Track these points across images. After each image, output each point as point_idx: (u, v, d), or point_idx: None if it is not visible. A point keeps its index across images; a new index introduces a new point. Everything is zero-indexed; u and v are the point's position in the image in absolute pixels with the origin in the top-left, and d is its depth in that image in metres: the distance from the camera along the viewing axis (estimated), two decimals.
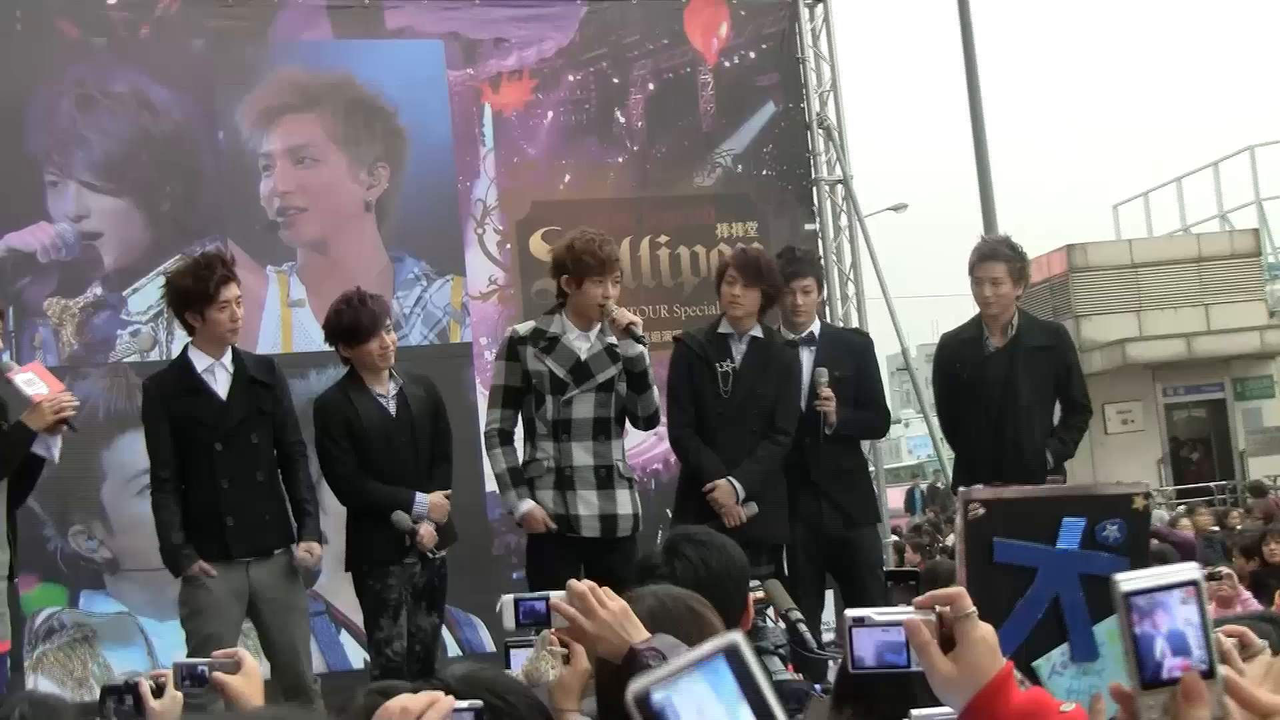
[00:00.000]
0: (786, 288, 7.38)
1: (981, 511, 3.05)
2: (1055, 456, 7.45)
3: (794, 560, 7.26)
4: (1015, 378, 7.39)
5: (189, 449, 6.56)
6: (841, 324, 9.60)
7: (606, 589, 3.04)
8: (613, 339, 6.69)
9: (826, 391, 7.19)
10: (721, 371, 7.09)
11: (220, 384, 6.63)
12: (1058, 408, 7.64)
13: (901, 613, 2.28)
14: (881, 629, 2.34)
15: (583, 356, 6.68)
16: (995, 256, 7.50)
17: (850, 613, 2.38)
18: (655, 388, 6.66)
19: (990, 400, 7.40)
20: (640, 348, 6.55)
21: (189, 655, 6.13)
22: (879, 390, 7.62)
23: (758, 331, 7.18)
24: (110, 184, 8.82)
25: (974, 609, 2.23)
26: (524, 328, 6.87)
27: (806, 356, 7.38)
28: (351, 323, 6.80)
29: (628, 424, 6.89)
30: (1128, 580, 1.68)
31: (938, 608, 2.24)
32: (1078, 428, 7.61)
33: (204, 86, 9.14)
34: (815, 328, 7.53)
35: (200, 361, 6.62)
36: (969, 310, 7.72)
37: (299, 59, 9.37)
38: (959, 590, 2.25)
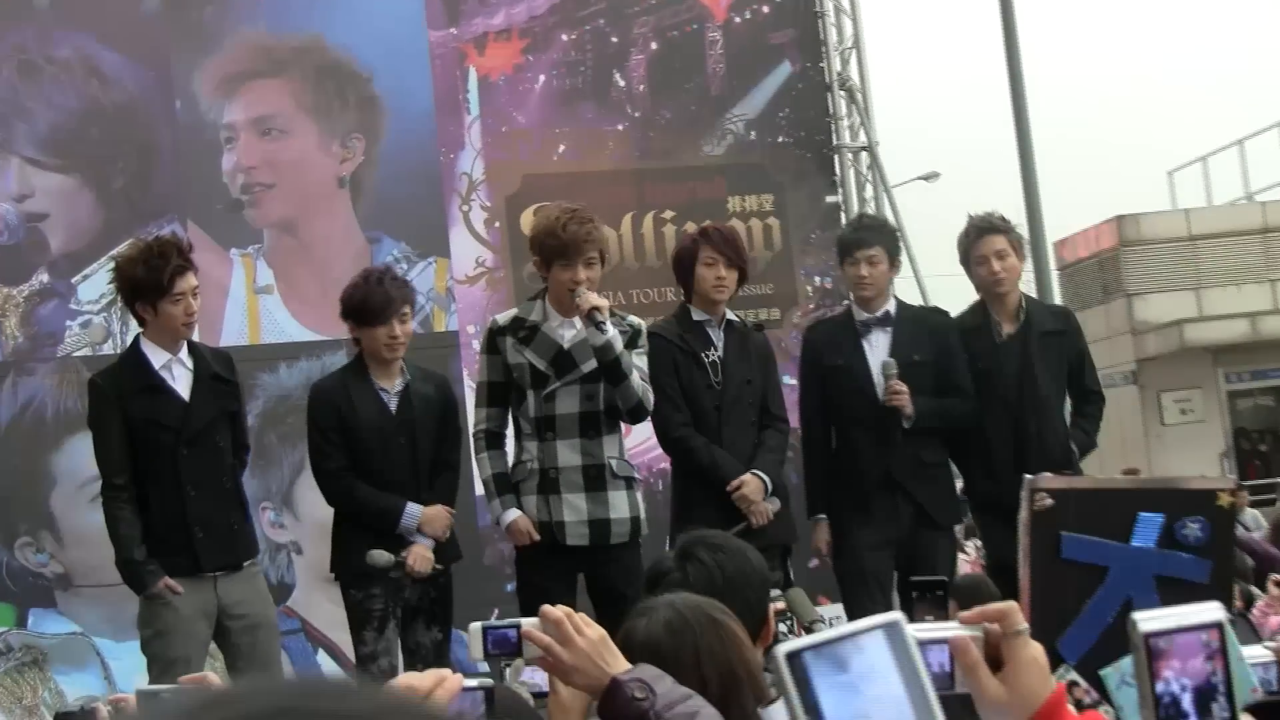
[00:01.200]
0: (850, 258, 7.41)
1: (1049, 502, 3.06)
2: (1081, 448, 7.49)
3: (856, 562, 7.27)
4: (1033, 365, 7.43)
5: (149, 453, 6.54)
6: (934, 306, 9.57)
7: (583, 615, 3.04)
8: None
9: (896, 384, 7.20)
10: (709, 361, 7.11)
11: (180, 382, 6.60)
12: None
13: (945, 629, 2.28)
14: (924, 647, 2.36)
15: (565, 345, 6.61)
16: (994, 229, 7.55)
17: None
18: (634, 374, 6.60)
19: (1007, 393, 7.41)
20: (605, 336, 6.42)
21: (152, 681, 6.15)
22: (964, 374, 7.51)
23: (731, 316, 7.23)
24: (56, 160, 8.83)
25: (1026, 625, 2.25)
26: (503, 317, 6.83)
27: (883, 339, 7.39)
28: (360, 301, 6.74)
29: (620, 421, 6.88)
30: (1147, 620, 1.71)
31: (986, 624, 2.24)
32: (1095, 417, 7.66)
33: (159, 51, 9.15)
34: (891, 306, 7.52)
35: (156, 357, 6.57)
36: None
37: (263, 20, 9.38)
38: (1010, 605, 2.26)
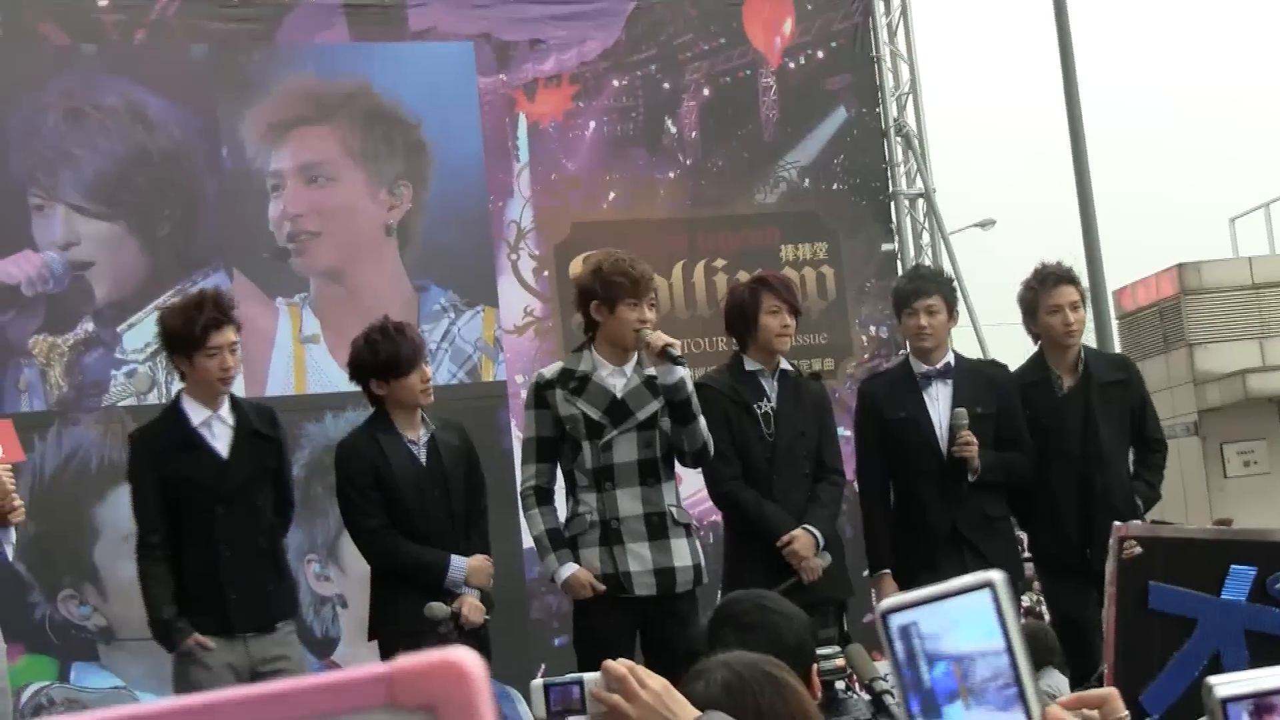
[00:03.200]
0: (907, 309, 7.36)
1: (1139, 551, 3.01)
2: (1145, 501, 7.40)
3: None
4: (1094, 418, 7.35)
5: (184, 512, 6.50)
6: (992, 360, 9.51)
7: (644, 669, 3.00)
8: (651, 370, 6.63)
9: (967, 435, 7.14)
10: (761, 412, 7.05)
11: (220, 439, 6.56)
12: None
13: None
14: None
15: (619, 394, 6.58)
16: (1069, 280, 7.50)
17: None
18: (702, 417, 6.59)
19: (1071, 448, 7.35)
20: (681, 371, 6.44)
21: None
22: (1024, 428, 7.48)
23: (785, 365, 7.18)
24: (102, 207, 8.86)
25: (1126, 713, 2.18)
26: (550, 370, 6.79)
27: (943, 391, 7.34)
28: (391, 355, 6.71)
29: (681, 465, 6.85)
30: (1224, 685, 1.65)
31: (1085, 711, 2.20)
32: (1158, 467, 7.59)
33: (205, 97, 9.19)
34: (950, 358, 7.47)
35: (196, 414, 6.54)
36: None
37: (311, 65, 9.41)
38: (1110, 692, 2.20)
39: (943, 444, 7.21)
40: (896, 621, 1.60)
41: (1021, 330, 7.71)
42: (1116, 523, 3.33)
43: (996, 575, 1.60)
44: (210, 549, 6.49)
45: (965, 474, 7.17)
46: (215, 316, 6.45)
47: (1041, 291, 7.48)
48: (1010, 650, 1.57)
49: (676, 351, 6.43)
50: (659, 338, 6.44)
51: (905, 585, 7.28)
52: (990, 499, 7.35)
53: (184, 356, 6.50)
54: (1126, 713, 2.19)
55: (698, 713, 2.91)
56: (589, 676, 3.03)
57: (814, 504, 7.00)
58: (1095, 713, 2.19)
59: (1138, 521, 3.19)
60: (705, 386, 7.01)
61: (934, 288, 7.50)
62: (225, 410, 6.59)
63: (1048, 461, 7.39)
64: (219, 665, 6.44)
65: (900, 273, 10.00)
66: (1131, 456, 7.59)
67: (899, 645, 1.61)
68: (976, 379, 7.47)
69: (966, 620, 1.58)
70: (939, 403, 7.31)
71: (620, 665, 2.97)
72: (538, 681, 3.20)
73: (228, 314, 6.53)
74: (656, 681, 2.95)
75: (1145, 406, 7.63)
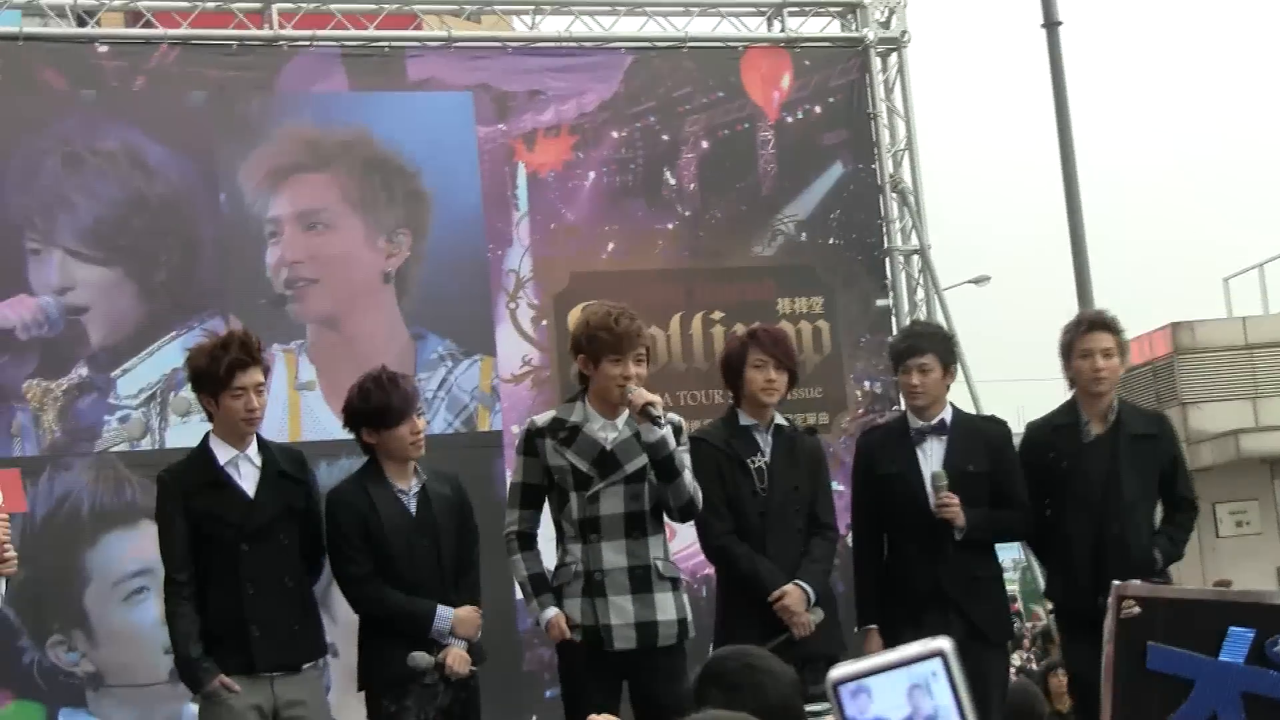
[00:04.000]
0: (902, 367, 7.36)
1: (1136, 610, 3.00)
2: (1164, 557, 7.34)
3: None
4: (1119, 469, 7.32)
5: (210, 550, 6.51)
6: (991, 416, 9.51)
7: None
8: None
9: (946, 496, 7.13)
10: (754, 467, 7.04)
11: (246, 479, 6.58)
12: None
13: None
14: None
15: (608, 446, 6.56)
16: (1105, 327, 7.45)
17: None
18: (687, 472, 6.57)
19: (1090, 494, 7.32)
20: (660, 431, 6.39)
21: None
22: (1020, 486, 7.44)
23: (780, 420, 7.17)
24: (99, 252, 8.85)
25: None
26: (542, 418, 6.78)
27: (937, 447, 7.33)
28: (381, 404, 6.73)
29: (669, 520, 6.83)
30: None
31: None
32: (1185, 526, 7.52)
33: (204, 144, 9.20)
34: (947, 415, 7.46)
35: (223, 453, 6.57)
36: (1057, 395, 7.66)
37: (310, 113, 9.43)
38: None
39: (930, 500, 7.17)
40: (848, 691, 1.63)
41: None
42: (1115, 581, 3.32)
43: (946, 644, 1.60)
44: (236, 587, 6.48)
45: (951, 532, 7.16)
46: (240, 358, 6.48)
47: (1076, 335, 7.47)
48: (962, 718, 1.56)
49: (656, 411, 6.37)
50: (640, 396, 6.40)
51: (890, 641, 7.25)
52: (979, 558, 7.32)
53: (210, 396, 6.53)
54: None
55: None
56: None
57: (806, 559, 6.98)
58: None
59: (1136, 581, 3.18)
60: (699, 440, 7.00)
61: (928, 345, 7.48)
62: (252, 450, 6.61)
63: (1065, 509, 7.37)
64: (243, 706, 6.43)
65: (895, 328, 10.00)
66: (1160, 515, 7.58)
67: (850, 715, 1.62)
68: (972, 435, 7.45)
69: (919, 688, 1.58)
70: (931, 459, 7.29)
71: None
72: None
73: (254, 355, 6.55)
74: None
75: (1177, 465, 7.56)
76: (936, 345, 7.54)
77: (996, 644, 7.41)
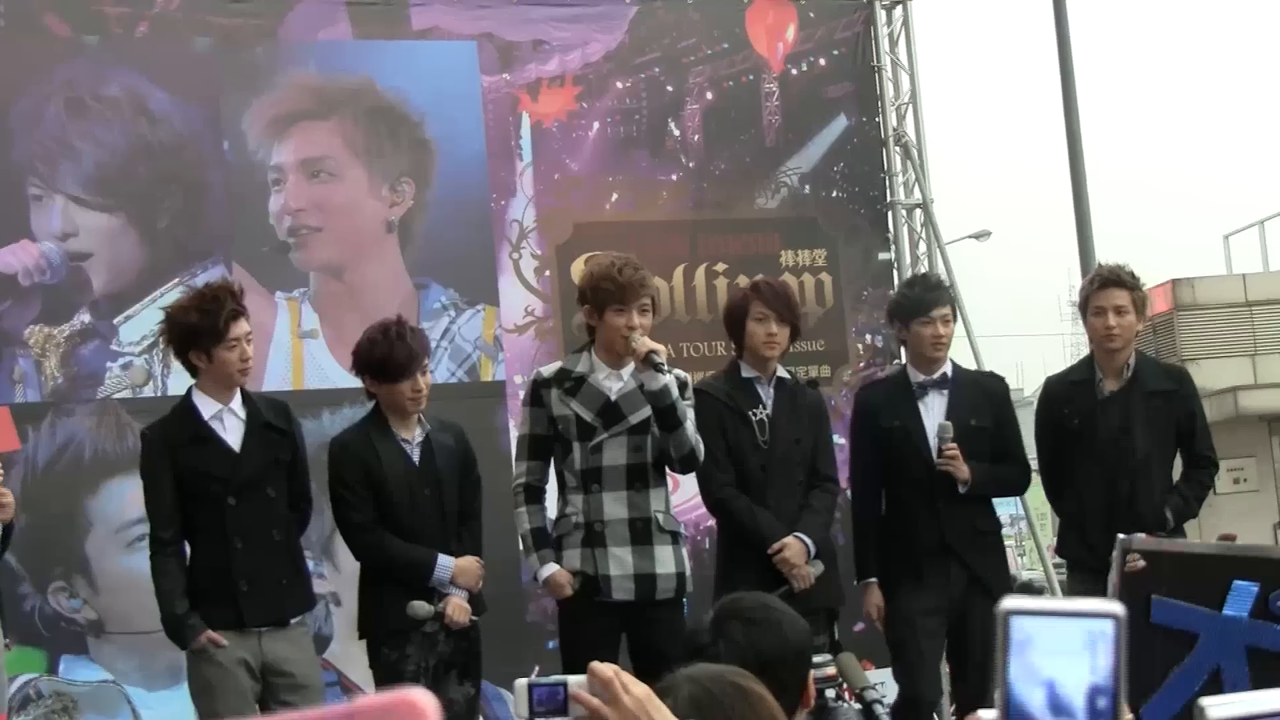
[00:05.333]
0: (923, 318, 7.31)
1: (1141, 564, 2.98)
2: (1175, 514, 7.31)
3: (909, 627, 7.17)
4: (1132, 426, 7.28)
5: (197, 505, 6.49)
6: (990, 371, 9.50)
7: (628, 674, 2.98)
8: None
9: (951, 448, 7.11)
10: (756, 420, 7.04)
11: (231, 432, 6.56)
12: (1178, 463, 7.52)
13: None
14: None
15: (613, 396, 6.59)
16: (1119, 283, 7.39)
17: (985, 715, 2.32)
18: (689, 423, 6.55)
19: (1103, 451, 7.29)
20: (664, 378, 6.42)
21: None
22: (1018, 441, 7.55)
23: (782, 372, 7.15)
24: (102, 199, 8.79)
25: (1130, 716, 2.14)
26: (548, 369, 6.81)
27: (939, 401, 7.33)
28: (383, 357, 6.71)
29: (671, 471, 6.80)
30: (1217, 707, 1.62)
31: None
32: (1202, 484, 7.48)
33: (208, 91, 9.12)
34: (948, 369, 7.44)
35: (207, 407, 6.55)
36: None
37: (314, 61, 9.34)
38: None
39: (934, 454, 7.19)
40: (1018, 625, 1.56)
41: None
42: (1120, 535, 3.30)
43: (1120, 608, 1.59)
44: (223, 542, 6.46)
45: (955, 485, 7.14)
46: (234, 309, 6.47)
47: (1091, 292, 7.44)
48: (1116, 686, 1.54)
49: (660, 359, 6.41)
50: (644, 344, 6.43)
51: (890, 594, 7.25)
52: (981, 512, 7.36)
53: (202, 351, 6.47)
54: (1131, 716, 2.15)
55: None
56: (573, 679, 3.01)
57: (807, 511, 6.99)
58: None
59: (1142, 535, 3.15)
60: (701, 392, 7.00)
61: (947, 297, 7.52)
62: (236, 403, 6.58)
63: (1077, 464, 7.36)
64: (231, 661, 6.41)
65: (896, 282, 9.97)
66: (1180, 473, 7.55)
67: (1015, 650, 1.57)
68: (974, 390, 7.45)
69: (1082, 644, 1.56)
70: (934, 413, 7.30)
71: (606, 669, 2.94)
72: (522, 681, 3.20)
73: (243, 305, 6.55)
74: (639, 688, 2.92)
75: (1195, 421, 7.51)
76: (950, 298, 7.57)
77: (997, 596, 7.39)
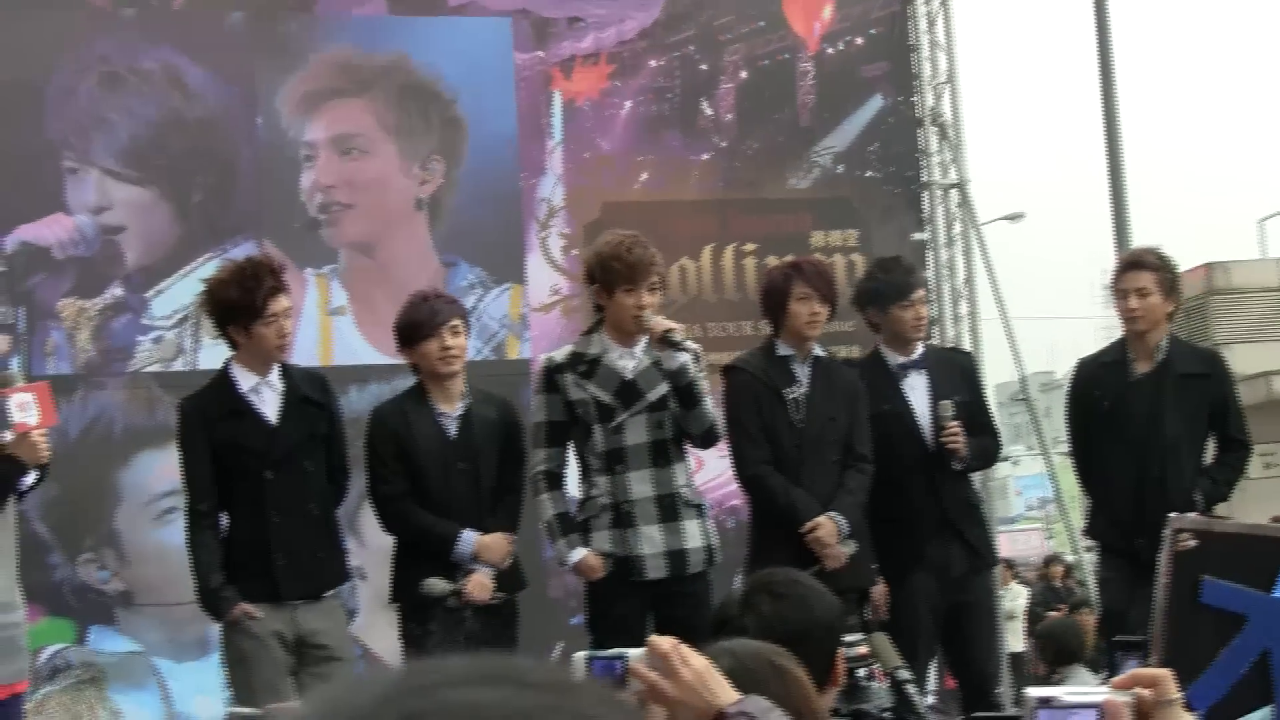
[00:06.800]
0: (904, 301, 7.25)
1: (1193, 544, 2.92)
2: (1206, 497, 7.20)
3: (914, 610, 7.11)
4: (1162, 408, 7.19)
5: (234, 478, 6.41)
6: (954, 347, 9.44)
7: (687, 647, 2.93)
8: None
9: (955, 426, 7.07)
10: (791, 398, 6.95)
11: (269, 405, 6.46)
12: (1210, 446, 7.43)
13: (1098, 693, 2.24)
14: (1069, 711, 2.28)
15: (628, 375, 6.50)
16: (1141, 265, 7.32)
17: (1034, 692, 2.32)
18: (708, 399, 6.48)
19: (1133, 433, 7.20)
20: (683, 357, 6.33)
21: (234, 705, 6.09)
22: (989, 413, 7.60)
23: (819, 351, 7.07)
24: (135, 172, 8.76)
25: (1179, 695, 2.14)
26: (560, 354, 6.70)
27: (920, 381, 7.28)
28: (410, 319, 6.63)
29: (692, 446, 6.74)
30: (1038, 690, 1.54)
31: (1139, 690, 2.20)
32: (1234, 467, 7.37)
33: (242, 66, 9.07)
34: (920, 348, 7.41)
35: (245, 380, 6.45)
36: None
37: (349, 37, 9.28)
38: (1164, 673, 2.16)
39: (926, 434, 7.16)
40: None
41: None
42: (1171, 514, 3.25)
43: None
44: (260, 515, 6.38)
45: (949, 463, 7.10)
46: (273, 285, 6.37)
47: (1117, 274, 7.40)
48: None
49: (677, 337, 6.32)
50: (660, 323, 6.34)
51: (892, 578, 7.17)
52: (967, 485, 7.41)
53: (241, 327, 6.38)
54: (1179, 694, 2.19)
55: (737, 694, 2.84)
56: (632, 652, 2.96)
57: (841, 491, 6.91)
58: (1148, 692, 2.18)
59: (1193, 514, 3.11)
60: (737, 369, 6.95)
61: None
62: (274, 376, 6.49)
63: (1108, 445, 7.30)
64: (265, 634, 6.34)
65: (931, 263, 9.87)
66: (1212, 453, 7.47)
67: None
68: (949, 368, 7.50)
69: None
70: (917, 392, 7.27)
71: (665, 642, 2.89)
72: (580, 654, 3.16)
73: (282, 281, 6.45)
74: (699, 661, 2.88)
75: (1227, 404, 7.41)
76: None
77: (989, 566, 7.62)
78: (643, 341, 6.52)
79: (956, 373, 7.44)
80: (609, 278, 6.45)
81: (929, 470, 7.13)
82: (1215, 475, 7.32)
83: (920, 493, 7.14)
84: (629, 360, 6.52)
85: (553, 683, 0.94)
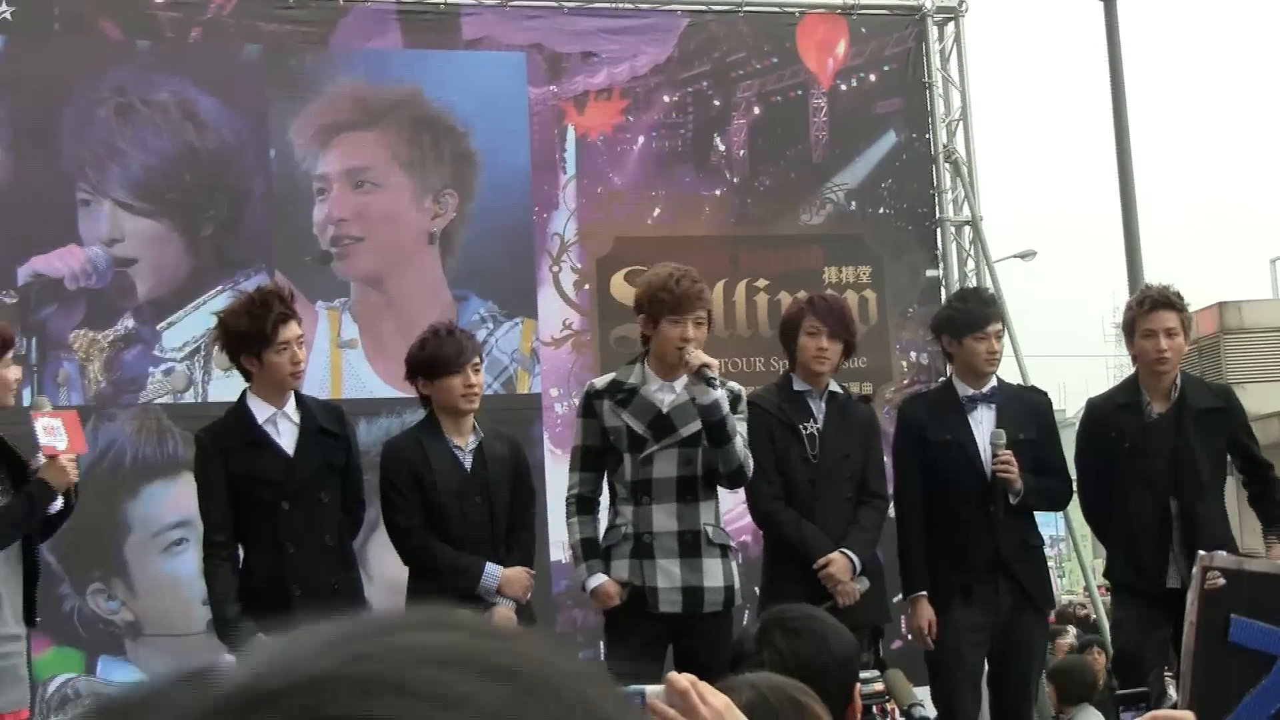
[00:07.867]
0: (978, 332, 7.17)
1: (1221, 583, 2.85)
2: (1270, 522, 7.19)
3: (955, 645, 7.02)
4: (1189, 446, 7.11)
5: (250, 510, 6.35)
6: (1031, 385, 9.35)
7: (706, 685, 2.86)
8: None
9: (1005, 454, 6.97)
10: (806, 433, 6.90)
11: (285, 436, 6.42)
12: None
13: None
14: None
15: (664, 409, 6.45)
16: (1170, 305, 7.23)
17: None
18: (739, 439, 6.42)
19: (1156, 474, 7.11)
20: (716, 393, 6.29)
21: None
22: (1061, 454, 7.40)
23: (834, 387, 7.01)
24: (148, 204, 8.73)
25: None
26: (601, 380, 6.70)
27: (987, 415, 7.20)
28: (432, 354, 6.58)
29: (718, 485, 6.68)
30: None
31: None
32: (1276, 481, 7.32)
33: (256, 98, 9.04)
34: (994, 383, 7.32)
35: (261, 411, 6.40)
36: (1099, 373, 7.55)
37: (363, 70, 9.25)
38: (1188, 715, 2.08)
39: (986, 467, 7.04)
40: None
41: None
42: (1201, 552, 3.18)
43: None
44: (276, 547, 6.31)
45: (1007, 499, 7.00)
46: (283, 312, 6.32)
47: (1139, 314, 7.27)
48: None
49: (712, 373, 6.29)
50: (697, 357, 6.30)
51: (939, 609, 7.10)
52: (1028, 526, 7.23)
53: (253, 355, 6.34)
54: None
55: None
56: (651, 689, 2.87)
57: (854, 527, 6.85)
58: None
59: (1222, 553, 3.04)
60: (752, 405, 6.88)
61: (999, 313, 7.44)
62: (290, 407, 6.44)
63: (1129, 486, 7.20)
64: None
65: (943, 299, 9.81)
66: (1240, 484, 7.41)
67: None
68: (1019, 404, 7.34)
69: None
70: (983, 426, 7.17)
71: (683, 679, 2.81)
72: None
73: (292, 309, 6.40)
74: (718, 699, 2.80)
75: (1249, 433, 7.36)
76: (1001, 313, 7.51)
77: (1042, 610, 7.38)
78: (684, 377, 6.48)
79: (1027, 410, 7.31)
80: (656, 308, 6.43)
81: (984, 504, 7.03)
82: (1276, 497, 7.23)
83: (975, 527, 7.04)
84: (667, 394, 6.49)
85: (504, 630, 0.93)
